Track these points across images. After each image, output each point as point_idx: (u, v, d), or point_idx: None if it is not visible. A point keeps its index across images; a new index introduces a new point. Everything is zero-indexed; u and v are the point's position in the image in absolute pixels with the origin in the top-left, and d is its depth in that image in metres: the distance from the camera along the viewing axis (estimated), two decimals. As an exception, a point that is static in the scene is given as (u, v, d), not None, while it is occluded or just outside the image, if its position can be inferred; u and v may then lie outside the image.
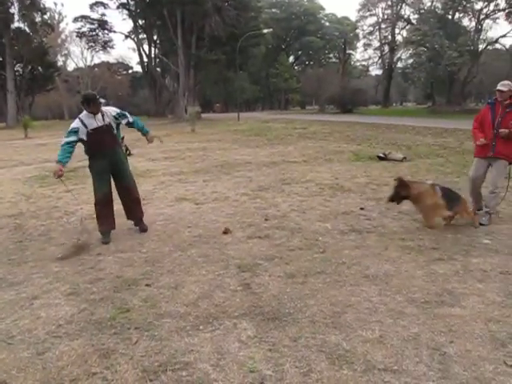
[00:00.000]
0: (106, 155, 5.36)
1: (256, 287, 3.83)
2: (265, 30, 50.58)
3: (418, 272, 4.04)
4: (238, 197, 7.47)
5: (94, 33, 52.51)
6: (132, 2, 48.41)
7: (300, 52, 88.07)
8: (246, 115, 48.15)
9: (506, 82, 5.66)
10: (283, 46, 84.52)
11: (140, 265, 4.48)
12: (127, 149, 12.47)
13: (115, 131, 5.44)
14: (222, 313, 3.39)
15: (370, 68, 68.26)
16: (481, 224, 5.57)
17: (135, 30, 51.17)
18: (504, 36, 48.46)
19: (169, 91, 49.61)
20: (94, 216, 5.52)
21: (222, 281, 4.00)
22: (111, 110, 5.43)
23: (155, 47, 53.32)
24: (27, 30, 45.18)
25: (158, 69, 54.18)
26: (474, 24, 44.89)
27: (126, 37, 54.08)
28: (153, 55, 53.22)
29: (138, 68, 68.85)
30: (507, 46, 55.28)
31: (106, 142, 5.31)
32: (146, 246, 5.09)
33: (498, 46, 48.07)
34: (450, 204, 5.31)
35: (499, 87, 5.59)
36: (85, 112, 5.21)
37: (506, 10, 43.76)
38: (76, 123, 5.18)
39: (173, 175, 9.96)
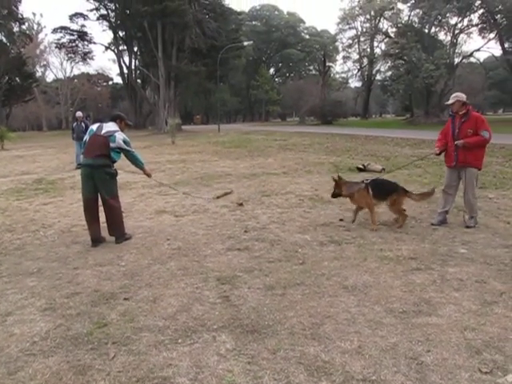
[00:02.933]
0: None
1: (235, 299, 3.82)
2: (245, 43, 50.97)
3: (396, 282, 4.09)
4: (217, 209, 7.46)
5: (73, 44, 52.27)
6: (112, 14, 48.39)
7: (280, 64, 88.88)
8: (226, 127, 48.24)
9: (454, 94, 5.98)
10: (264, 58, 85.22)
11: (118, 278, 4.44)
12: None
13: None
14: (201, 326, 3.37)
15: (350, 80, 69.00)
16: (468, 227, 5.88)
17: (115, 42, 51.08)
18: (478, 50, 49.98)
19: (149, 103, 49.45)
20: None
21: (201, 293, 3.98)
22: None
23: (135, 59, 53.19)
24: (4, 40, 44.73)
25: (139, 80, 54.02)
26: (449, 38, 46.02)
27: (106, 48, 54.03)
28: (133, 67, 53.06)
29: (118, 79, 68.47)
30: (481, 60, 57.10)
31: None
32: (125, 258, 5.05)
33: (472, 59, 49.56)
34: (384, 197, 6.05)
35: (447, 102, 5.96)
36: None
37: (479, 26, 45.37)
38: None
39: (152, 187, 9.90)
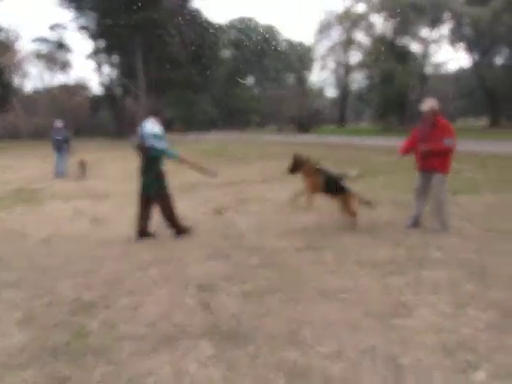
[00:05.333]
0: None
1: (215, 307, 3.80)
2: (225, 53, 51.11)
3: (373, 286, 4.12)
4: (197, 216, 7.43)
5: (52, 54, 51.67)
6: (92, 24, 47.95)
7: (259, 74, 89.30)
8: (206, 136, 48.14)
9: (429, 101, 6.09)
10: (243, 68, 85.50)
11: (99, 286, 4.36)
12: None
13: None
14: (182, 333, 3.34)
15: (326, 89, 69.76)
16: (435, 231, 5.98)
17: (95, 52, 50.61)
18: (448, 61, 51.38)
19: (130, 112, 49.07)
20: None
21: (182, 300, 3.95)
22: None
23: (116, 68, 52.79)
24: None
25: (119, 90, 53.58)
26: (421, 49, 47.03)
27: (86, 58, 53.55)
28: (113, 76, 52.67)
29: (98, 89, 67.81)
30: (452, 71, 58.51)
31: None
32: (105, 266, 4.97)
33: (443, 69, 50.77)
34: (332, 193, 6.29)
35: (421, 108, 6.09)
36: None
37: (449, 37, 46.63)
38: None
39: (132, 196, 9.77)
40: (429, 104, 6.03)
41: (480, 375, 2.67)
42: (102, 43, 49.82)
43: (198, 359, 2.97)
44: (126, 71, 47.08)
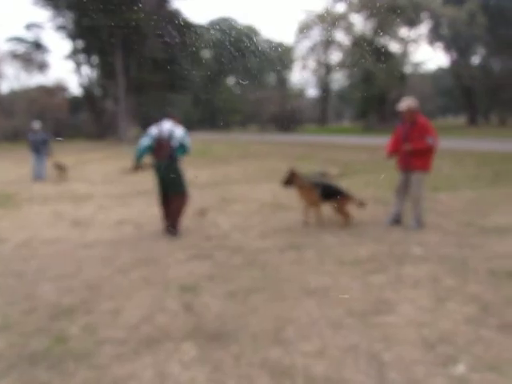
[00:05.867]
0: None
1: (198, 307, 3.78)
2: (205, 54, 50.96)
3: (355, 284, 4.15)
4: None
5: (29, 54, 50.82)
6: (70, 24, 47.30)
7: (240, 74, 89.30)
8: (189, 136, 47.91)
9: (406, 101, 6.17)
10: (224, 69, 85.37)
11: (79, 291, 4.31)
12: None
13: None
14: (164, 335, 3.32)
15: (307, 89, 70.08)
16: (409, 228, 6.09)
17: (74, 52, 49.94)
18: (427, 60, 52.19)
19: (109, 113, 48.59)
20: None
21: (164, 303, 3.92)
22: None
23: (95, 69, 52.19)
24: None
25: (98, 91, 53.00)
26: (400, 48, 47.65)
27: (65, 58, 52.79)
28: (93, 77, 52.08)
29: (77, 90, 66.84)
30: (431, 70, 59.54)
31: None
32: (86, 270, 4.91)
33: (422, 68, 51.59)
34: (329, 198, 6.36)
35: (399, 108, 6.16)
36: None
37: (427, 37, 47.51)
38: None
39: (113, 198, 9.73)
40: (406, 103, 6.10)
41: (460, 368, 2.72)
42: (81, 43, 49.26)
43: (182, 361, 2.96)
44: (106, 72, 46.57)
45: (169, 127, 6.13)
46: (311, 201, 6.46)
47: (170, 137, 6.05)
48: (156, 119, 6.39)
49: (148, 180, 12.55)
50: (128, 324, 3.53)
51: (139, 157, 6.28)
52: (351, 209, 6.47)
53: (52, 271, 4.96)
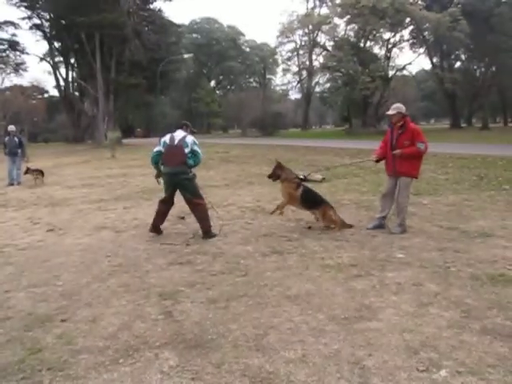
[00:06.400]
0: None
1: (178, 315, 3.76)
2: (186, 55, 50.95)
3: (337, 289, 4.17)
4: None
5: (3, 54, 49.96)
6: (46, 24, 46.70)
7: (221, 77, 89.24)
8: (168, 140, 47.66)
9: (395, 105, 6.25)
10: (204, 71, 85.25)
11: (55, 299, 4.24)
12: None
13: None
14: (143, 344, 3.29)
15: (290, 92, 70.42)
16: (392, 233, 6.14)
17: (51, 53, 49.22)
18: (410, 64, 53.35)
19: (88, 116, 47.96)
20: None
21: (143, 310, 3.89)
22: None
23: (73, 70, 51.50)
24: None
25: (76, 93, 52.34)
26: (383, 52, 48.32)
27: (41, 59, 52.00)
28: (70, 79, 51.39)
29: (54, 92, 65.79)
30: (413, 73, 60.42)
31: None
32: (63, 278, 4.85)
33: (405, 72, 52.42)
34: (310, 205, 6.57)
35: (388, 112, 6.20)
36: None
37: (410, 41, 48.38)
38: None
39: (92, 203, 9.63)
40: (396, 108, 6.15)
41: (442, 373, 2.75)
42: (58, 44, 48.66)
43: (161, 370, 2.93)
44: (84, 73, 46.05)
45: (181, 136, 6.35)
46: (291, 195, 6.55)
47: (183, 144, 6.24)
48: (169, 128, 6.71)
49: (127, 184, 12.49)
50: (106, 333, 3.49)
51: (155, 164, 6.53)
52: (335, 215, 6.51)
53: (27, 279, 4.88)
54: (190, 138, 6.36)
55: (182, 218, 7.56)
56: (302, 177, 11.35)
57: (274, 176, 6.85)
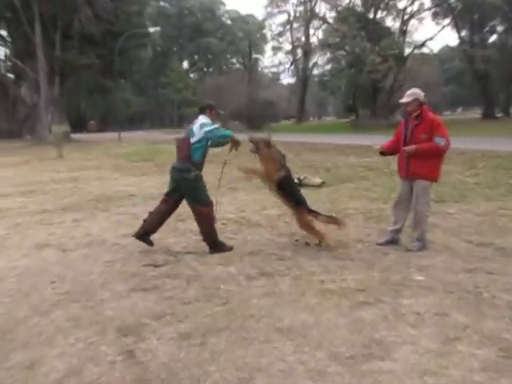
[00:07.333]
0: None
1: (141, 355, 3.74)
2: (151, 29, 50.96)
3: (341, 320, 4.17)
4: (118, 239, 7.32)
5: None
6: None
7: (196, 56, 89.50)
8: (130, 135, 47.70)
9: (411, 90, 6.24)
10: (175, 49, 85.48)
11: (-18, 338, 4.19)
12: None
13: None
14: (97, 393, 3.26)
15: (282, 76, 70.99)
16: (409, 250, 6.14)
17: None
18: (431, 39, 52.28)
19: (26, 104, 47.49)
20: None
21: (97, 350, 3.85)
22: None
23: (5, 46, 51.06)
24: None
25: (10, 75, 51.85)
26: (398, 25, 48.40)
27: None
28: (2, 57, 50.97)
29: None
30: (435, 51, 59.94)
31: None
32: (-7, 310, 4.80)
33: (425, 50, 52.26)
34: (286, 195, 6.66)
35: (402, 99, 6.21)
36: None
37: (432, 10, 47.77)
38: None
39: (32, 215, 9.55)
40: (412, 94, 6.15)
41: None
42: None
43: (118, 425, 2.91)
44: (20, 50, 45.63)
45: (198, 122, 6.35)
46: (270, 176, 6.75)
47: (189, 134, 6.32)
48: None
49: (78, 191, 12.40)
50: (48, 381, 3.44)
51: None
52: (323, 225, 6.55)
53: None
54: (198, 123, 6.34)
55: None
56: (296, 180, 11.49)
57: (254, 147, 6.98)
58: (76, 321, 4.44)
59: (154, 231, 6.61)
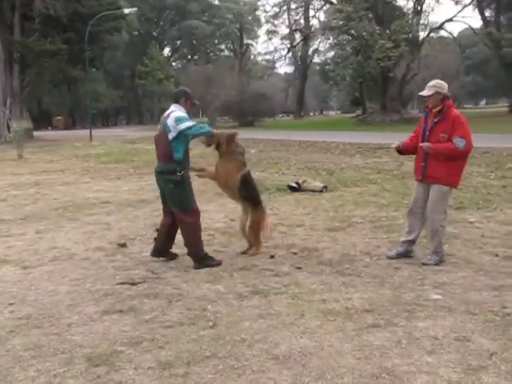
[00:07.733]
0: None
1: (115, 388, 3.72)
2: (127, 10, 50.82)
3: (346, 346, 4.16)
4: (89, 253, 7.31)
5: None
6: None
7: (179, 42, 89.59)
8: (103, 133, 47.60)
9: (433, 82, 6.23)
10: (155, 34, 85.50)
11: None
12: None
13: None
14: None
15: (278, 64, 71.05)
16: (424, 264, 6.13)
17: None
18: (450, 20, 50.84)
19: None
20: None
21: (63, 383, 3.83)
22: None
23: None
24: None
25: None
26: (411, 4, 48.45)
27: None
28: None
29: None
30: (455, 34, 59.44)
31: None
32: None
33: (443, 33, 52.23)
34: (246, 196, 6.81)
35: (421, 92, 6.20)
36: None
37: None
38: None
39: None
40: (434, 86, 6.14)
41: None
42: None
43: None
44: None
45: (166, 115, 6.45)
46: (228, 172, 6.86)
47: (165, 128, 6.33)
48: None
49: (42, 198, 12.36)
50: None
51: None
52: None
53: None
54: (172, 117, 6.34)
55: (123, 244, 7.53)
56: (294, 185, 11.51)
57: (214, 142, 6.99)
58: (38, 349, 4.38)
59: (165, 248, 6.80)
